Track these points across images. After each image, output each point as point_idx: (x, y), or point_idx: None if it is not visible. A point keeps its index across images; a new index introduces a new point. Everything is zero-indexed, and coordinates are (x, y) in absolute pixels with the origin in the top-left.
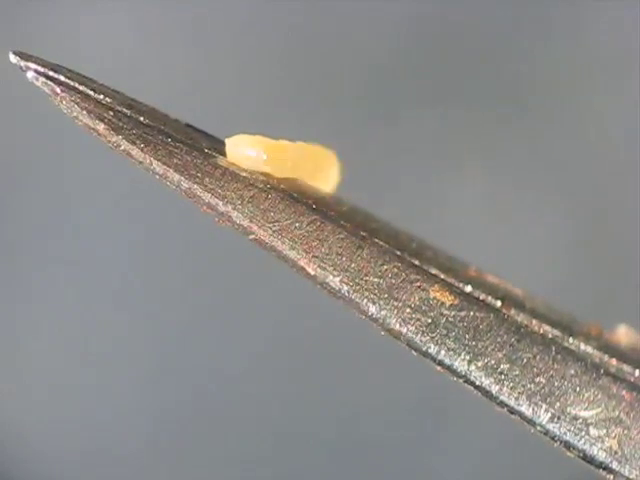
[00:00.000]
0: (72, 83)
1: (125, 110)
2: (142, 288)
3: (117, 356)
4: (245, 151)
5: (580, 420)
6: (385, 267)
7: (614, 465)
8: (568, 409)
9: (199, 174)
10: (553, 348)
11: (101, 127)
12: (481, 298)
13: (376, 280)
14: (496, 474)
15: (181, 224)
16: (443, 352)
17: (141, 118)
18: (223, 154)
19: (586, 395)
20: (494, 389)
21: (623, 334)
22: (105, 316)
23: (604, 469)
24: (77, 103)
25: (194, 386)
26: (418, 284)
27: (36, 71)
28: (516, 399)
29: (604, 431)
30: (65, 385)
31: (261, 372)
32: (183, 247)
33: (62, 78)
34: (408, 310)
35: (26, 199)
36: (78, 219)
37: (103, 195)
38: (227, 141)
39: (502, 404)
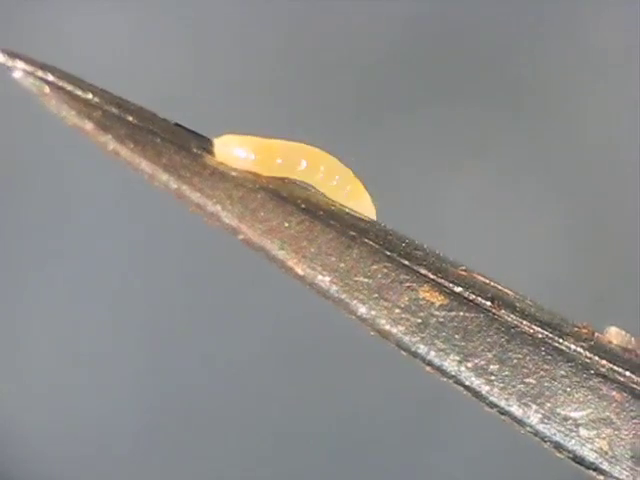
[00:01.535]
0: (60, 83)
1: (113, 110)
2: (142, 288)
3: (116, 356)
4: (234, 151)
5: (570, 421)
6: (374, 267)
7: (604, 466)
8: (558, 410)
9: (188, 174)
10: (543, 349)
11: (89, 127)
12: (471, 298)
13: (365, 280)
14: (494, 471)
15: (181, 224)
16: (433, 352)
17: (129, 118)
18: (212, 154)
19: (576, 396)
20: (484, 390)
21: (614, 335)
22: (105, 316)
23: (594, 470)
24: (65, 103)
25: (194, 386)
26: (408, 284)
27: (24, 70)
28: (506, 400)
29: (594, 432)
30: (65, 385)
31: (260, 372)
32: (183, 247)
33: (50, 78)
34: (397, 310)
35: (26, 199)
36: (77, 219)
37: (102, 195)
38: (216, 141)
39: (492, 405)
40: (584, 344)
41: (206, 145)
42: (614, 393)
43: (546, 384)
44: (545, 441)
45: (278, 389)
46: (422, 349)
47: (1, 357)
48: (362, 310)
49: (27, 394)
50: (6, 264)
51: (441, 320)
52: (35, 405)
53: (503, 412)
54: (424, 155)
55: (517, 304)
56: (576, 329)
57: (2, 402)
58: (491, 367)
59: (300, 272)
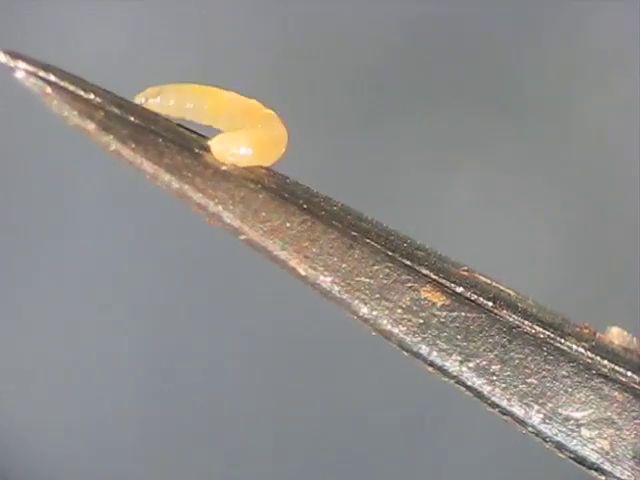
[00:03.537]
0: (62, 83)
1: (115, 110)
2: (141, 289)
3: (117, 356)
4: (231, 149)
5: (572, 421)
6: (376, 267)
7: (606, 466)
8: (560, 410)
9: (190, 174)
10: (545, 349)
11: (91, 127)
12: (473, 299)
13: (367, 281)
14: (495, 471)
15: (181, 224)
16: (435, 353)
17: (131, 118)
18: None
19: (578, 396)
20: (486, 390)
21: (615, 335)
22: (104, 316)
23: (596, 470)
24: (67, 103)
25: (194, 386)
26: (409, 285)
27: (26, 71)
28: (508, 400)
29: (596, 432)
30: (65, 385)
31: (260, 372)
32: (183, 247)
33: (52, 78)
34: (399, 311)
35: (26, 199)
36: (78, 218)
37: (102, 195)
38: (211, 142)
39: (494, 405)
40: (586, 344)
41: (208, 145)
42: (616, 393)
43: (548, 384)
44: (547, 441)
45: (278, 389)
46: (424, 349)
47: (1, 357)
48: (364, 310)
49: (27, 394)
50: (6, 264)
51: (443, 320)
52: (35, 405)
53: (505, 412)
54: (424, 155)
55: (519, 304)
56: (578, 329)
57: (2, 402)
58: (493, 367)
59: (302, 272)
